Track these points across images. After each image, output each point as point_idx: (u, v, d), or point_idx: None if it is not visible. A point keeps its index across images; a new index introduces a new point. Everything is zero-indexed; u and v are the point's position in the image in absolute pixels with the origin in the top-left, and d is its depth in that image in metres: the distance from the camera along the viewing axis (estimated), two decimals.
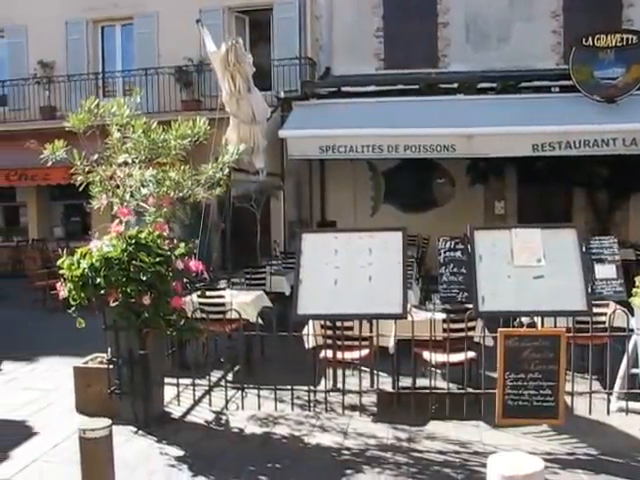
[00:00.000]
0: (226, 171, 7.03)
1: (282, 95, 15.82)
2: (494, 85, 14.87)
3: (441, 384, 7.22)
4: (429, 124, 13.29)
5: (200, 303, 7.90)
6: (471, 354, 6.90)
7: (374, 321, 6.77)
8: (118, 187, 6.94)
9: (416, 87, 14.85)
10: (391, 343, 7.05)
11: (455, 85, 14.95)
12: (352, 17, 17.09)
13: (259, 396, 6.96)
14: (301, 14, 17.49)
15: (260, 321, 7.48)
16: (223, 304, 8.09)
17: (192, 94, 17.96)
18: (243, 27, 18.64)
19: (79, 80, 18.94)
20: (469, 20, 16.76)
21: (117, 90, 19.32)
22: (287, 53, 17.16)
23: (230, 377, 7.88)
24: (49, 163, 6.86)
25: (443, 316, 6.99)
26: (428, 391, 6.75)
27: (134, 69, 18.62)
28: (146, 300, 6.13)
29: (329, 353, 7.05)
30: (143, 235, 6.33)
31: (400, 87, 14.79)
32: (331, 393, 7.06)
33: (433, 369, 7.09)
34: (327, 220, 17.12)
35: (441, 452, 5.93)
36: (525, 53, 15.99)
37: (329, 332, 7.00)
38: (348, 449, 6.02)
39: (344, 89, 15.26)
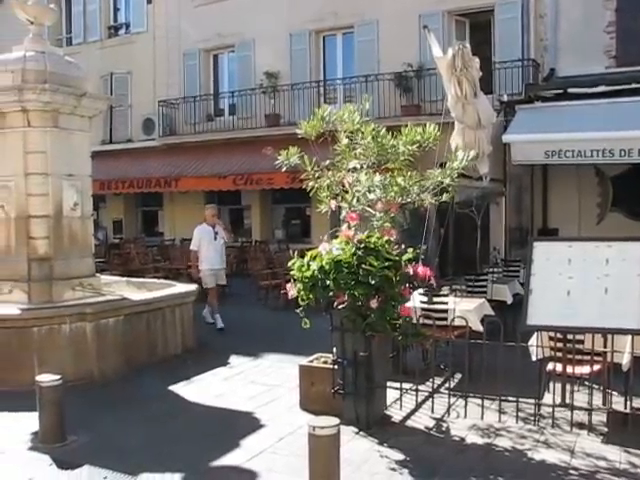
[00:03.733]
0: (455, 177, 6.95)
1: (505, 99, 15.38)
2: None
3: None
4: None
5: (423, 309, 7.88)
6: None
7: (609, 335, 6.38)
8: (346, 192, 7.09)
9: None
10: (625, 360, 6.60)
11: None
12: (580, 13, 16.21)
13: (482, 406, 6.80)
14: (524, 13, 16.97)
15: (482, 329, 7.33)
16: (446, 310, 8.04)
17: (412, 99, 18.04)
18: (463, 30, 18.44)
19: (302, 88, 19.72)
20: None
21: (338, 97, 19.91)
22: (509, 55, 16.74)
23: (450, 384, 7.79)
24: (283, 169, 7.18)
25: None
26: None
27: (354, 76, 19.04)
28: (373, 304, 6.20)
29: (557, 366, 6.75)
30: (372, 240, 6.42)
31: (634, 86, 13.76)
32: (557, 408, 6.75)
33: None
34: (549, 228, 16.43)
35: None
36: None
37: (559, 344, 6.70)
38: (575, 469, 5.69)
39: (571, 90, 14.49)
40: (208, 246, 12.08)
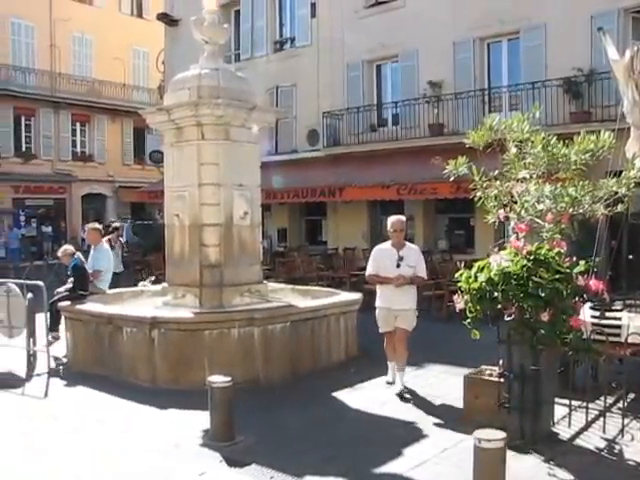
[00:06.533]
0: (632, 186, 6.64)
1: None
2: None
3: None
4: None
5: (594, 324, 7.57)
6: None
7: None
8: (514, 202, 6.96)
9: None
10: None
11: None
12: None
13: None
14: None
15: None
16: (620, 326, 7.67)
17: (581, 106, 17.31)
18: None
19: (466, 97, 19.42)
20: None
21: (503, 105, 19.46)
22: None
23: (624, 404, 7.42)
24: (451, 178, 7.17)
25: None
26: None
27: (520, 83, 18.55)
28: (544, 317, 6.04)
29: None
30: (542, 251, 6.27)
31: None
32: None
33: None
34: None
35: None
36: None
37: None
38: None
39: None
40: (387, 275, 8.48)
